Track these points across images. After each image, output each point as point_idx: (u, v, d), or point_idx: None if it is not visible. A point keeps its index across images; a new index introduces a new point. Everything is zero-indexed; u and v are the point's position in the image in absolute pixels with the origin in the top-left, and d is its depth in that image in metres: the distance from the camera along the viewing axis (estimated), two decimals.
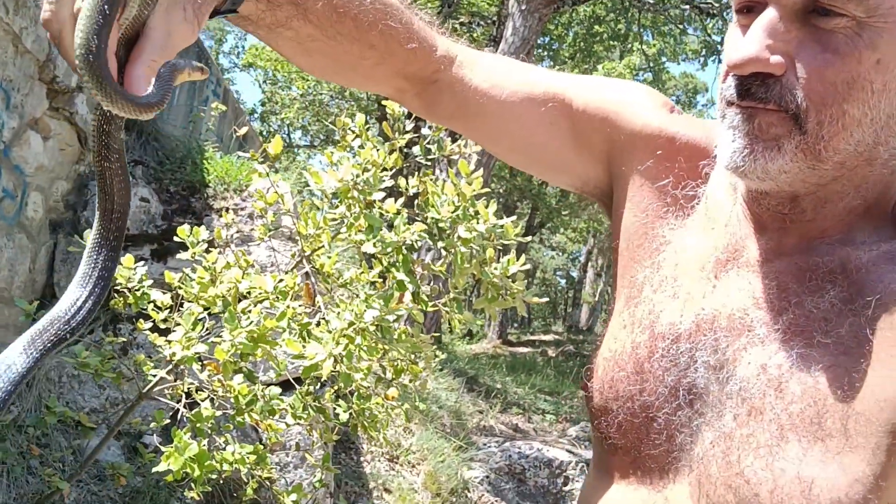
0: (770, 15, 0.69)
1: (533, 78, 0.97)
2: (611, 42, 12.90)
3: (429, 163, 2.22)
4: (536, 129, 0.95)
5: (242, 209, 4.44)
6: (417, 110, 1.04)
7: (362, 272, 2.06)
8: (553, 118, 0.94)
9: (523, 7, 8.00)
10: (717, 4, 10.46)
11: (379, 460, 5.26)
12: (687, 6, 10.68)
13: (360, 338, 1.78)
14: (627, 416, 0.82)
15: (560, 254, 31.04)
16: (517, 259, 2.06)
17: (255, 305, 1.88)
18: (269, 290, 1.85)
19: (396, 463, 5.38)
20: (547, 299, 2.65)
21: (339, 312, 1.77)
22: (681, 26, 11.92)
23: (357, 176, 1.83)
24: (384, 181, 1.88)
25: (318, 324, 1.96)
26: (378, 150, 1.99)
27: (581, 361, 13.82)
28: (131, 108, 0.62)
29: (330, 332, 1.68)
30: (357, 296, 1.98)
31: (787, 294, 0.74)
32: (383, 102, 2.24)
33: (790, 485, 0.67)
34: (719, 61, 12.03)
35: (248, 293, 1.87)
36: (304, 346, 1.69)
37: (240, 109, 6.34)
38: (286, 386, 2.38)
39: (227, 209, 4.40)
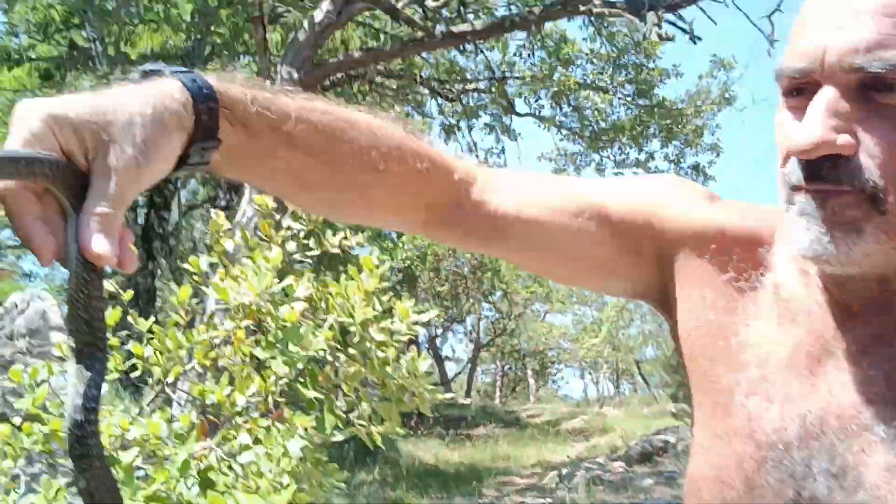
0: (829, 94, 0.67)
1: (562, 190, 0.95)
2: None
3: (309, 261, 2.01)
4: (578, 242, 0.91)
5: None
6: (447, 239, 1.00)
7: (254, 395, 1.77)
8: (593, 228, 0.90)
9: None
10: (453, 90, 11.26)
11: None
12: (427, 90, 11.36)
13: (289, 477, 1.50)
14: None
15: None
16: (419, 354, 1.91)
17: (145, 457, 1.51)
18: (164, 434, 1.49)
19: None
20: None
21: (260, 451, 1.48)
22: (420, 111, 12.63)
23: (267, 287, 1.58)
24: (294, 288, 1.64)
25: (219, 466, 1.63)
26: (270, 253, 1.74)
27: None
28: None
29: (262, 475, 1.39)
30: (255, 423, 1.68)
31: None
32: (255, 198, 1.99)
33: None
34: (455, 141, 12.84)
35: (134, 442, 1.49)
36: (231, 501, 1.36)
37: None
38: None
39: None
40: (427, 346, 23.78)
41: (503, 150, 12.10)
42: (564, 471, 12.20)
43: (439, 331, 22.96)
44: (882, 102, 0.67)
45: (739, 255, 0.83)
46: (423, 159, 0.87)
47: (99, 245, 0.59)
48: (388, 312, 1.85)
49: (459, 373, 29.65)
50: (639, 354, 27.68)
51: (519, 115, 11.82)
